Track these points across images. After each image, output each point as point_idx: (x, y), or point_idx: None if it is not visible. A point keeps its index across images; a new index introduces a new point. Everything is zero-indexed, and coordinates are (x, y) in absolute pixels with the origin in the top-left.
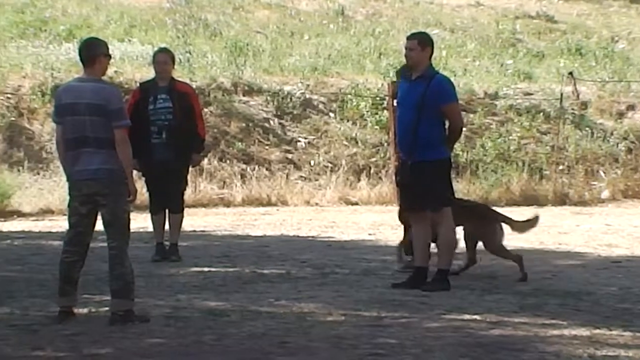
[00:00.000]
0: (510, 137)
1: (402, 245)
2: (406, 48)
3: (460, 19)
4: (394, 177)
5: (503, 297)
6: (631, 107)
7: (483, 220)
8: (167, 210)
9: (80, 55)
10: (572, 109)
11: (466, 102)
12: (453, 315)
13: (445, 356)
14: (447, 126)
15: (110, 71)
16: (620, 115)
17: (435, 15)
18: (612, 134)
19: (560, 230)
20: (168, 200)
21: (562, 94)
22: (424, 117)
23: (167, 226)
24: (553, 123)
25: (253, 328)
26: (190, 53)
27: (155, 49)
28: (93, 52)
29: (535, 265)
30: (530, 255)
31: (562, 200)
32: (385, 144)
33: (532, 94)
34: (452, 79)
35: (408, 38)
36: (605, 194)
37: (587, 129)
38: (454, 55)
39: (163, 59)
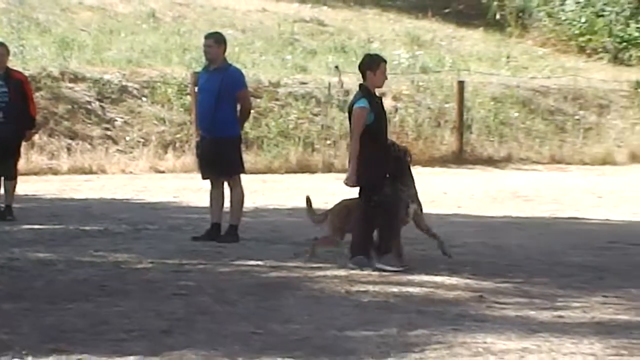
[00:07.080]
0: (289, 118)
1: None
2: (205, 45)
3: (250, 21)
4: (195, 150)
5: (283, 247)
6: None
7: None
8: (2, 178)
9: None
10: (338, 96)
11: (254, 89)
12: (241, 261)
13: (235, 295)
14: (239, 109)
15: None
16: None
17: (229, 19)
18: None
19: (328, 193)
20: (4, 170)
21: (330, 84)
22: (221, 101)
23: (2, 191)
24: (322, 107)
25: (77, 275)
26: (23, 47)
27: None
28: None
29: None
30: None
31: (328, 168)
32: (188, 123)
33: (306, 83)
34: (243, 71)
35: (206, 37)
36: None
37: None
38: (245, 52)
39: (1, 51)
